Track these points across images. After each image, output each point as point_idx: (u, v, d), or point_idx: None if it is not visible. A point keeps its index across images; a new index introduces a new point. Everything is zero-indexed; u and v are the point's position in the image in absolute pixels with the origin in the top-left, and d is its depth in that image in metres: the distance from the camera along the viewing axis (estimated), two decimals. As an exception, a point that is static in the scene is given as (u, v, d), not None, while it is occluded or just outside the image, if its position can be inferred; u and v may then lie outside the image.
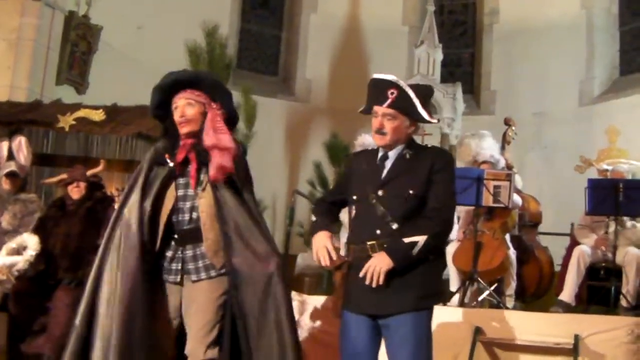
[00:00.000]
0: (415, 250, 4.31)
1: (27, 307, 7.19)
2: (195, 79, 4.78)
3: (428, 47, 15.03)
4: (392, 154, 4.56)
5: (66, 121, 9.96)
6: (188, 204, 4.67)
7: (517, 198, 8.62)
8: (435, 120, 4.63)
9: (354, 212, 4.62)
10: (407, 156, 4.53)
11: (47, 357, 6.92)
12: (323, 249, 4.54)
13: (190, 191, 4.67)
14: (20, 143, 7.96)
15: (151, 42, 13.71)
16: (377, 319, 4.45)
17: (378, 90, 4.51)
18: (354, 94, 15.32)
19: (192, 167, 4.66)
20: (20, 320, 7.22)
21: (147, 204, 4.68)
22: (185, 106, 4.66)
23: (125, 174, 10.12)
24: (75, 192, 7.57)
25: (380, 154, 4.60)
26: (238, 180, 4.68)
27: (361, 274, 4.33)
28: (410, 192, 4.42)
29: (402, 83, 4.48)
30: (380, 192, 4.47)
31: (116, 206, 7.08)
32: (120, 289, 4.52)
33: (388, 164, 4.55)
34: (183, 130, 4.66)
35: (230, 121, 4.83)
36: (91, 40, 13.12)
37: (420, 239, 4.31)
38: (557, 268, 9.15)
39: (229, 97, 4.90)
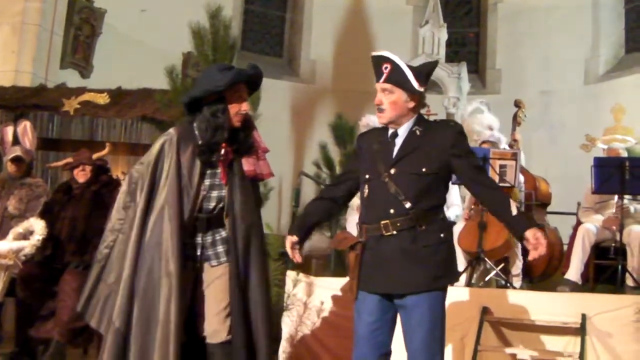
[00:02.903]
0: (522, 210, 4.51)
1: (35, 291, 7.20)
2: (259, 82, 5.08)
3: (432, 26, 14.99)
4: (402, 131, 4.58)
5: (71, 105, 9.97)
6: (215, 193, 4.74)
7: (519, 176, 8.61)
8: (421, 89, 4.61)
9: (366, 191, 4.59)
10: (418, 133, 4.54)
11: (55, 341, 6.93)
12: (288, 250, 4.75)
13: (217, 180, 4.74)
14: (26, 127, 7.94)
15: (155, 25, 13.71)
16: (393, 298, 4.47)
17: (375, 67, 4.57)
18: (358, 74, 15.40)
19: (227, 160, 4.75)
20: (27, 304, 7.23)
21: (189, 196, 4.74)
22: (246, 102, 4.86)
23: (131, 157, 10.12)
24: (81, 175, 7.57)
25: (390, 132, 4.61)
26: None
27: (536, 255, 4.43)
28: (423, 169, 4.44)
29: (395, 57, 4.53)
30: (392, 171, 4.47)
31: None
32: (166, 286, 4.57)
33: (399, 141, 4.56)
34: (238, 123, 4.82)
35: None
36: (95, 23, 13.11)
37: (512, 204, 4.51)
38: (565, 248, 9.14)
39: None
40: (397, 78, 4.49)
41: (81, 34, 12.89)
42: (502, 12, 16.79)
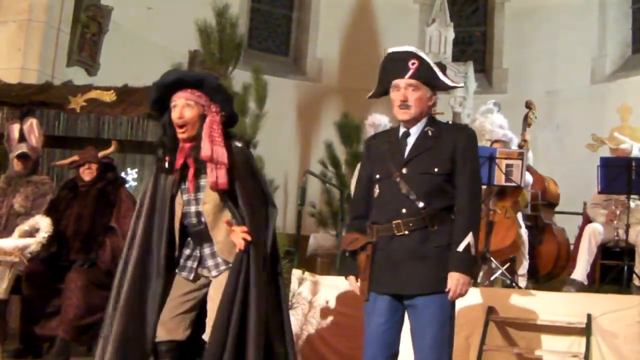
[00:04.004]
0: (472, 250, 4.33)
1: (40, 289, 7.21)
2: (198, 81, 4.74)
3: (439, 25, 14.97)
4: (414, 131, 4.51)
5: (77, 102, 9.95)
6: (193, 209, 4.71)
7: (528, 176, 8.61)
8: (461, 85, 4.57)
9: (377, 191, 4.54)
10: (430, 133, 4.49)
11: (60, 339, 6.94)
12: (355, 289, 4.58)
13: (192, 195, 4.70)
14: (32, 125, 7.94)
15: (162, 22, 13.71)
16: (403, 299, 4.43)
17: (397, 63, 4.49)
18: (365, 73, 15.32)
19: (190, 173, 4.67)
20: (33, 302, 7.23)
21: (164, 216, 4.73)
22: (184, 107, 4.65)
23: (137, 155, 10.12)
24: (87, 173, 7.57)
25: (401, 131, 4.55)
26: (237, 182, 4.69)
27: (451, 296, 4.34)
28: (436, 169, 4.39)
29: (422, 53, 4.48)
30: (404, 170, 4.42)
31: (127, 185, 7.11)
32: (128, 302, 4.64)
33: (410, 141, 4.50)
34: (181, 135, 4.66)
35: (230, 121, 4.85)
36: (101, 21, 13.11)
37: (469, 239, 4.32)
38: (571, 248, 9.13)
39: (229, 100, 4.89)
40: (424, 74, 4.44)
41: (88, 32, 12.89)
42: (509, 11, 16.79)
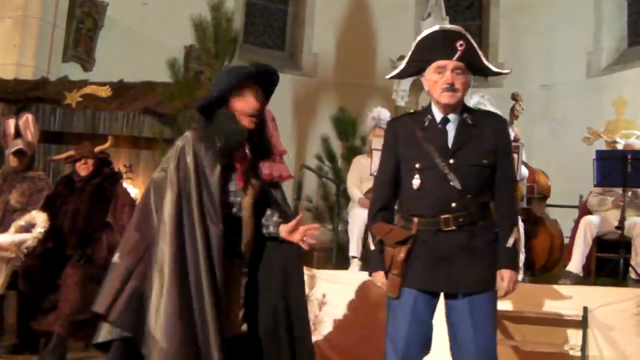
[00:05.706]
0: (517, 245, 4.20)
1: (37, 284, 7.20)
2: (274, 78, 4.75)
3: (435, 19, 14.91)
4: (453, 118, 4.26)
5: (73, 98, 9.97)
6: (232, 199, 4.66)
7: (523, 170, 8.60)
8: (507, 71, 4.44)
9: (418, 182, 4.17)
10: (469, 121, 4.26)
11: (57, 334, 6.94)
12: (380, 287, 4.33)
13: (233, 186, 4.63)
14: (27, 120, 7.94)
15: (157, 18, 13.71)
16: (447, 297, 4.21)
17: (444, 42, 4.17)
18: (360, 67, 15.39)
19: (241, 166, 4.61)
20: (29, 297, 7.23)
21: (215, 206, 4.55)
22: (256, 101, 4.57)
23: (133, 150, 10.13)
24: (83, 169, 7.55)
25: (438, 117, 4.27)
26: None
27: (501, 293, 4.21)
28: (484, 161, 4.17)
29: (468, 34, 4.21)
30: (451, 161, 4.13)
31: (125, 183, 7.09)
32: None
33: (450, 128, 4.23)
34: (252, 125, 4.56)
35: None
36: (97, 16, 13.12)
37: (515, 234, 4.17)
38: (567, 241, 9.14)
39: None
40: (471, 58, 4.19)
41: (83, 27, 12.90)
42: (504, 5, 16.79)
